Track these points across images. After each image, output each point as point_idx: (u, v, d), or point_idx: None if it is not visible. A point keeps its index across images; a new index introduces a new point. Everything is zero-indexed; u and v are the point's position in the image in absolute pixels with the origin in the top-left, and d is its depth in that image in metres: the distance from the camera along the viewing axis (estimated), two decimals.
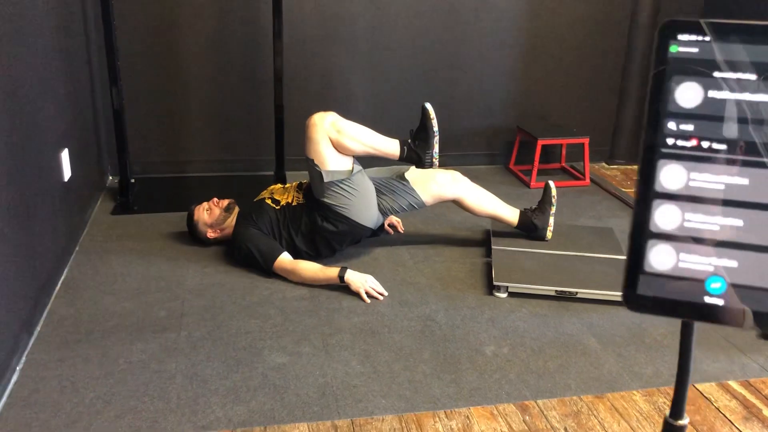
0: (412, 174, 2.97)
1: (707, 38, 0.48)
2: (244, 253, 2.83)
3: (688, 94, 0.48)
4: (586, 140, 3.99)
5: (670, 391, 2.21)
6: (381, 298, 2.69)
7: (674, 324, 2.61)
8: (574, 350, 2.41)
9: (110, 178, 3.85)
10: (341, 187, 2.76)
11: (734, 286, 0.47)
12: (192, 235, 3.06)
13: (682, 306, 0.48)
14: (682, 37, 0.49)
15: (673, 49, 0.49)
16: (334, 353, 2.34)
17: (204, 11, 3.62)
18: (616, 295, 2.69)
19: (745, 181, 0.47)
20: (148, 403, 2.05)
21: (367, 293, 2.67)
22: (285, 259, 2.78)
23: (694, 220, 0.48)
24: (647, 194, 0.49)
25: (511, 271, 2.81)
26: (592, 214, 3.66)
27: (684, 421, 0.79)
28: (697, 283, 0.48)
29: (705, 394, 2.20)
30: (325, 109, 2.86)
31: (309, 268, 2.75)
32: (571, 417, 2.07)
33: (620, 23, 4.18)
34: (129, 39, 3.56)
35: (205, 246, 3.09)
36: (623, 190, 4.04)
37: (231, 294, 2.71)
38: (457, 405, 2.12)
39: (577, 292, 2.69)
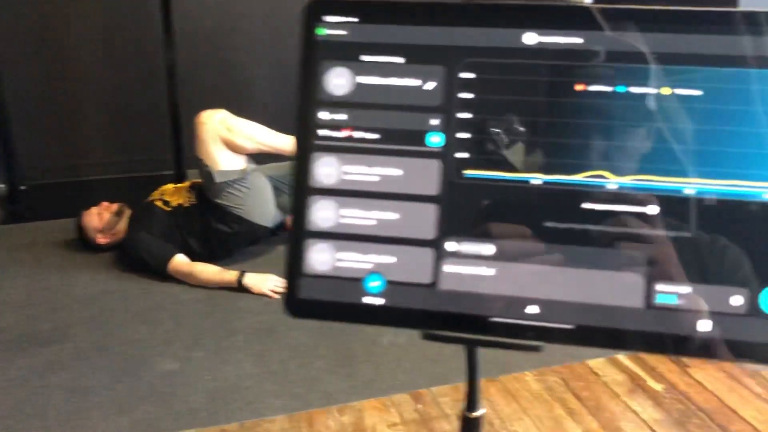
0: None
1: (355, 19, 0.45)
2: (136, 258, 2.74)
3: (337, 80, 0.45)
4: None
5: (562, 369, 2.24)
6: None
7: None
8: None
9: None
10: (235, 188, 2.69)
11: (392, 283, 0.44)
12: (83, 242, 2.94)
13: (344, 308, 0.45)
14: (328, 18, 0.45)
15: (320, 31, 0.45)
16: (227, 356, 2.28)
17: (90, 3, 3.47)
18: None
19: (399, 172, 0.44)
20: (24, 421, 1.95)
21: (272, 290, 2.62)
22: (180, 261, 2.69)
23: (351, 216, 0.45)
24: (302, 190, 0.46)
25: None
26: None
27: (479, 413, 0.78)
28: (356, 282, 0.45)
29: (594, 370, 2.24)
30: (225, 104, 2.77)
31: (206, 271, 2.68)
32: (462, 402, 2.07)
33: None
34: (12, 35, 3.39)
35: (97, 252, 2.97)
36: None
37: (123, 301, 2.61)
38: (350, 399, 2.10)
39: None
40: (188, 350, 2.31)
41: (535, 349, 0.44)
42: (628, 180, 0.44)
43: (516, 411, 2.06)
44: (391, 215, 0.46)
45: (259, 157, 2.84)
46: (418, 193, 0.46)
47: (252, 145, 2.70)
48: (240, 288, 2.63)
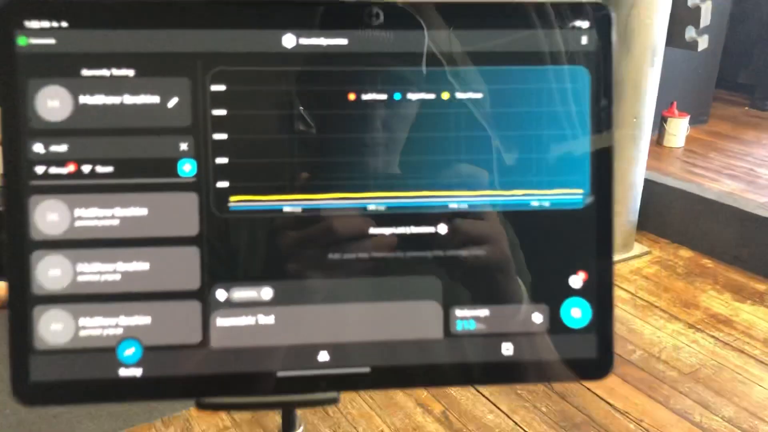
0: None
1: (64, 24, 0.35)
2: None
3: (52, 102, 0.35)
4: None
5: None
6: None
7: None
8: None
9: None
10: None
11: (150, 348, 0.36)
12: None
13: (95, 386, 0.36)
14: (30, 24, 0.35)
15: (22, 41, 0.35)
16: None
17: None
18: None
19: (144, 211, 0.36)
20: None
21: None
22: None
23: (90, 272, 0.36)
24: (22, 245, 0.36)
25: None
26: None
27: None
28: (108, 352, 0.36)
29: None
30: None
31: None
32: None
33: None
34: None
35: None
36: None
37: None
38: (175, 409, 1.98)
39: None
40: None
41: (333, 401, 0.38)
42: (413, 198, 0.39)
43: (348, 394, 2.06)
44: (140, 265, 0.37)
45: None
46: (172, 235, 0.37)
47: None
48: None
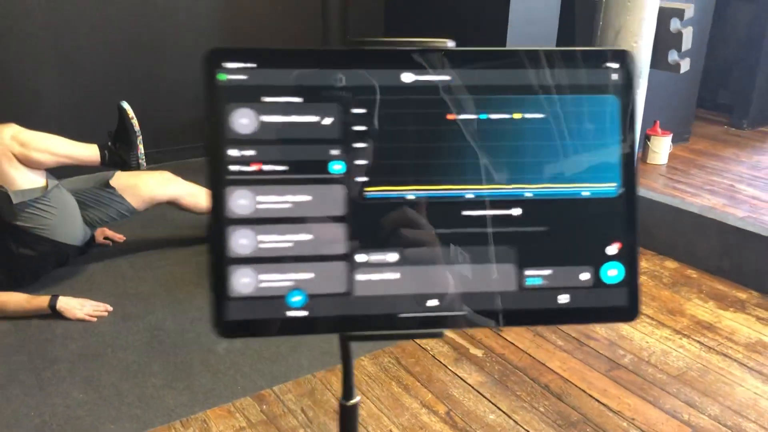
0: (119, 180, 2.79)
1: (253, 65, 0.50)
2: None
3: (242, 120, 0.50)
4: None
5: (393, 349, 2.39)
6: (106, 313, 2.52)
7: None
8: None
9: None
10: (36, 207, 2.50)
11: (313, 296, 0.51)
12: None
13: (270, 323, 0.51)
14: (228, 65, 0.50)
15: (221, 77, 0.50)
16: (50, 388, 2.13)
17: None
18: None
19: (308, 198, 0.51)
20: None
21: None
22: None
23: (268, 241, 0.50)
24: (220, 222, 0.50)
25: None
26: None
27: (355, 400, 0.85)
28: (279, 299, 0.50)
29: (423, 346, 2.41)
30: (7, 118, 2.55)
31: (12, 300, 2.47)
32: (306, 396, 2.14)
33: (312, 9, 4.32)
34: None
35: None
36: None
37: None
38: (193, 411, 2.07)
39: None
40: (3, 389, 2.13)
41: (438, 335, 0.53)
42: (496, 189, 0.55)
43: (357, 395, 2.17)
44: (305, 236, 0.52)
45: (60, 171, 2.66)
46: (327, 215, 0.52)
47: (51, 159, 2.52)
48: (52, 313, 2.47)
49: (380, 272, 0.53)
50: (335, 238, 0.52)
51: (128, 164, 2.72)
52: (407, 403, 2.13)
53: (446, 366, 2.34)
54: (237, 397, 2.13)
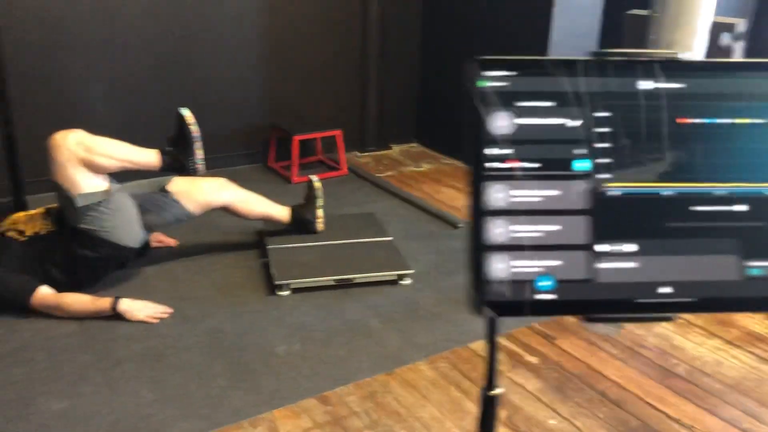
0: (177, 185, 2.85)
1: (510, 72, 0.56)
2: None
3: (499, 122, 0.55)
4: (338, 132, 4.15)
5: (450, 355, 2.42)
6: (166, 315, 2.58)
7: (443, 293, 2.86)
8: (360, 333, 2.53)
9: None
10: (99, 210, 2.56)
11: (561, 281, 0.56)
12: None
13: (523, 305, 0.56)
14: (487, 72, 0.56)
15: (481, 83, 0.56)
16: (119, 387, 2.19)
17: None
18: (389, 274, 2.87)
19: (557, 192, 0.56)
20: None
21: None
22: (44, 293, 2.51)
23: (520, 230, 0.56)
24: (478, 213, 0.56)
25: (290, 268, 2.85)
26: (353, 201, 3.83)
27: (498, 391, 0.90)
28: (530, 283, 0.56)
29: (478, 352, 2.45)
30: (65, 124, 2.61)
31: (78, 301, 2.53)
32: (368, 398, 2.18)
33: (353, 21, 4.40)
34: None
35: None
36: (376, 175, 4.28)
37: None
38: (260, 411, 2.12)
39: (353, 278, 2.82)
40: (74, 386, 2.19)
41: (669, 318, 0.59)
42: (723, 187, 0.60)
43: (418, 399, 2.22)
44: (554, 227, 0.58)
45: (119, 175, 2.72)
46: (573, 208, 0.58)
47: (113, 164, 2.59)
48: (114, 315, 2.52)
49: (620, 261, 0.58)
50: (580, 229, 0.58)
51: (186, 169, 2.78)
52: (468, 407, 2.16)
53: (503, 372, 2.37)
54: (301, 398, 2.17)
